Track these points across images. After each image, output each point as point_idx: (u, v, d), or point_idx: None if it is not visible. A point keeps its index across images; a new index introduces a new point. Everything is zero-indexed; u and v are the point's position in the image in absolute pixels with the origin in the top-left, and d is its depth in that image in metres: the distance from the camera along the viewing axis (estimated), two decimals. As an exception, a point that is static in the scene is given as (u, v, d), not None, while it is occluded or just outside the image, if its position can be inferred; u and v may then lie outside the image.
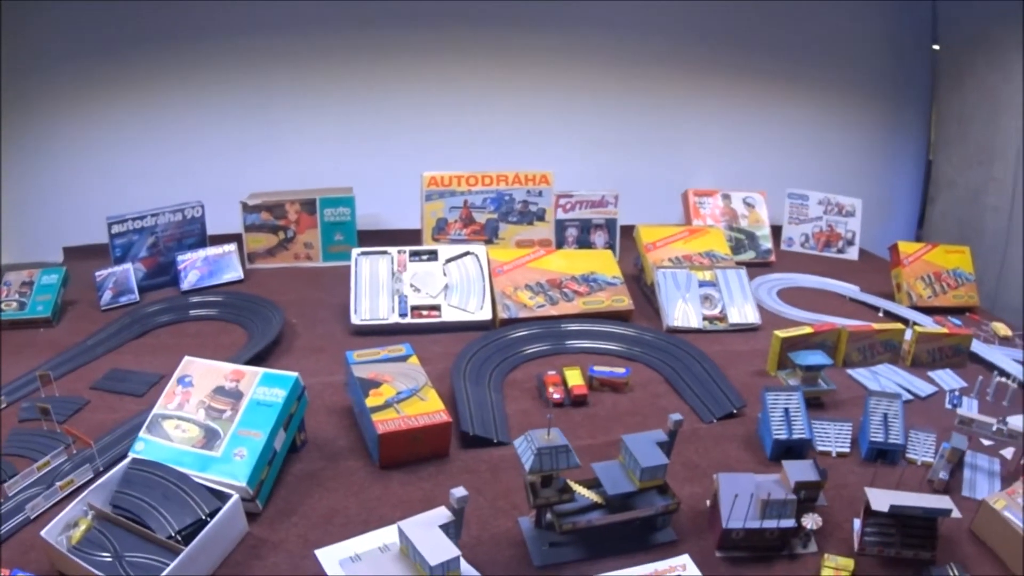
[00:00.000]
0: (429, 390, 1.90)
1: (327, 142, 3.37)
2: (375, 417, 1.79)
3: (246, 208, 3.03)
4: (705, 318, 2.48)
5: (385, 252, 2.63)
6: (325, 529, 1.63)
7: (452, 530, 1.41)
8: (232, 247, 2.98)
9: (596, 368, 2.12)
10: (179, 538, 1.54)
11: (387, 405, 1.83)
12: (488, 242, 2.86)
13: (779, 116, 3.60)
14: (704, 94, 3.48)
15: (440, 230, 2.88)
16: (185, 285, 2.87)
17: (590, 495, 1.52)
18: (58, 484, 1.81)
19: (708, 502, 1.64)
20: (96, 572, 1.46)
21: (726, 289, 2.56)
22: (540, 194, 2.90)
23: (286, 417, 1.78)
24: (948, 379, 2.21)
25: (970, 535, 1.58)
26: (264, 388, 1.83)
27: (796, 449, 1.80)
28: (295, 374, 1.83)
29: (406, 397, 1.86)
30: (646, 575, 1.47)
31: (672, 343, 2.31)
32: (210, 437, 1.78)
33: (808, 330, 2.20)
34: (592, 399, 2.05)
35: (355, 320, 2.49)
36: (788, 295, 2.81)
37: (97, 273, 2.82)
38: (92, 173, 3.29)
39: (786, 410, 1.85)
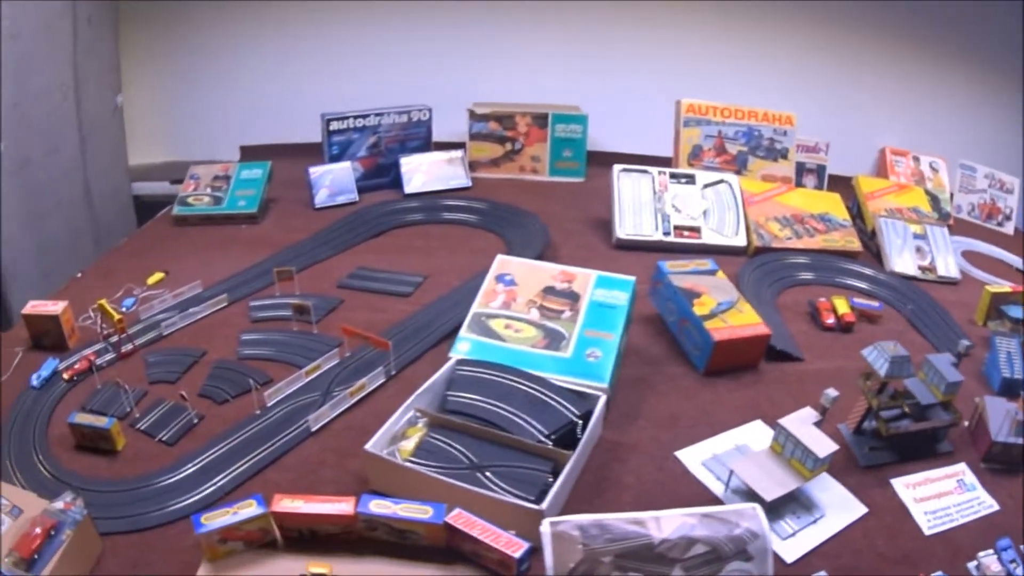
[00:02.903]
0: (744, 303, 1.96)
1: (554, 60, 3.29)
2: (708, 325, 1.86)
3: (473, 116, 2.98)
4: (918, 267, 2.70)
5: (646, 171, 2.71)
6: (674, 432, 1.69)
7: (819, 427, 1.53)
8: (460, 153, 2.91)
9: (856, 300, 2.34)
10: (550, 443, 1.48)
11: (712, 315, 1.89)
12: (737, 172, 2.94)
13: (960, 85, 3.62)
14: (898, 58, 3.51)
15: (695, 156, 2.94)
16: (409, 188, 2.78)
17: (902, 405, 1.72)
18: (347, 391, 1.71)
19: (966, 422, 1.81)
20: (467, 486, 1.36)
21: (934, 243, 2.77)
22: (784, 134, 2.99)
23: (628, 320, 1.81)
24: None
25: None
26: (603, 290, 1.85)
27: (1016, 386, 1.98)
28: (632, 278, 1.90)
29: (726, 309, 1.92)
30: (939, 477, 1.68)
31: (904, 286, 2.53)
32: (552, 338, 1.73)
33: (1008, 288, 2.43)
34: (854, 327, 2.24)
35: (620, 234, 2.56)
36: (968, 258, 2.97)
37: (311, 170, 2.70)
38: (299, 71, 3.19)
39: (1008, 352, 2.08)
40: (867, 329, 2.27)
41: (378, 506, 1.33)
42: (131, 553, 1.41)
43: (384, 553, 1.37)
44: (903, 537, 1.51)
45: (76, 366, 1.92)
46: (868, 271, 2.59)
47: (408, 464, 1.42)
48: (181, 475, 1.57)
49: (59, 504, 1.36)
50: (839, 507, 1.54)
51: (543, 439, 1.49)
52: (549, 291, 1.86)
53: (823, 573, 1.39)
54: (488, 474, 1.41)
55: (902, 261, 2.69)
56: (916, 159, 3.42)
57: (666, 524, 1.22)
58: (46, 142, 2.76)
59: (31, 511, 1.37)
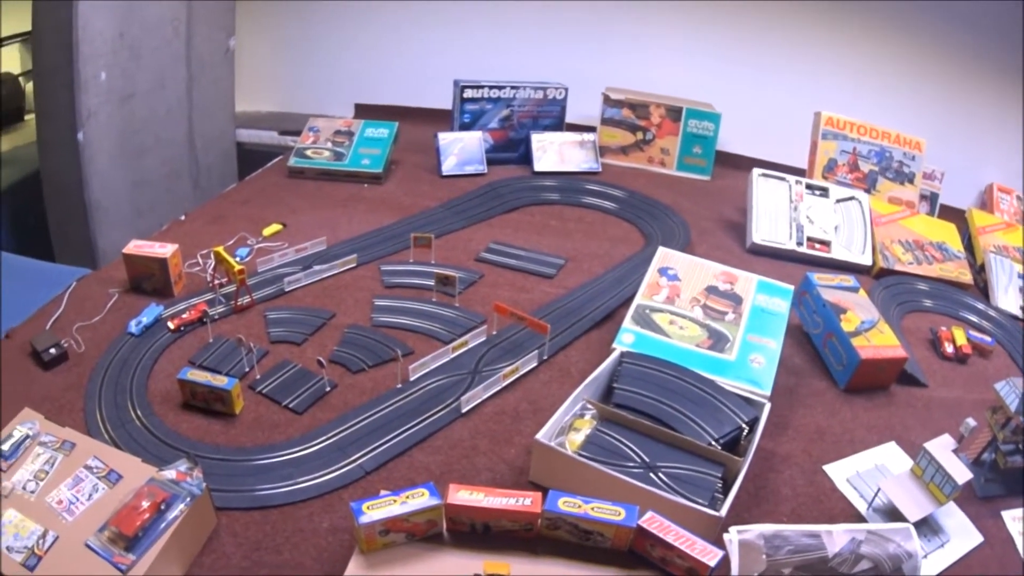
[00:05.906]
0: (884, 324, 1.94)
1: (690, 56, 3.24)
2: (855, 342, 1.85)
3: (608, 101, 2.95)
4: (1020, 307, 2.67)
5: (784, 179, 2.68)
6: (820, 446, 1.68)
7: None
8: (593, 136, 2.87)
9: (971, 332, 2.33)
10: (719, 447, 1.45)
11: (857, 332, 1.88)
12: (867, 191, 2.92)
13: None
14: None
15: (829, 169, 2.92)
16: (539, 166, 2.75)
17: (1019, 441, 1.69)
18: (500, 372, 1.64)
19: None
20: (643, 486, 1.32)
21: (1033, 284, 2.76)
22: (913, 158, 2.98)
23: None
24: None
25: None
26: (764, 296, 1.87)
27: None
28: (791, 287, 1.89)
29: (869, 328, 1.91)
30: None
31: (1010, 323, 2.51)
32: (716, 339, 1.73)
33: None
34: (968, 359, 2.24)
35: (755, 239, 2.55)
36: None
37: (440, 136, 2.66)
38: (429, 36, 3.15)
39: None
40: (979, 363, 2.28)
41: (567, 504, 1.26)
42: (251, 534, 1.29)
43: (561, 554, 1.30)
44: (1012, 568, 1.52)
45: (185, 316, 1.85)
46: (979, 305, 2.59)
47: (583, 459, 1.37)
48: (312, 448, 1.47)
49: (171, 473, 1.20)
50: (960, 534, 1.57)
51: (712, 442, 1.47)
52: (712, 291, 1.87)
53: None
54: (661, 475, 1.39)
55: (1007, 299, 2.69)
56: (1020, 198, 3.39)
57: (837, 539, 1.24)
58: (153, 77, 2.70)
59: (134, 479, 1.20)
